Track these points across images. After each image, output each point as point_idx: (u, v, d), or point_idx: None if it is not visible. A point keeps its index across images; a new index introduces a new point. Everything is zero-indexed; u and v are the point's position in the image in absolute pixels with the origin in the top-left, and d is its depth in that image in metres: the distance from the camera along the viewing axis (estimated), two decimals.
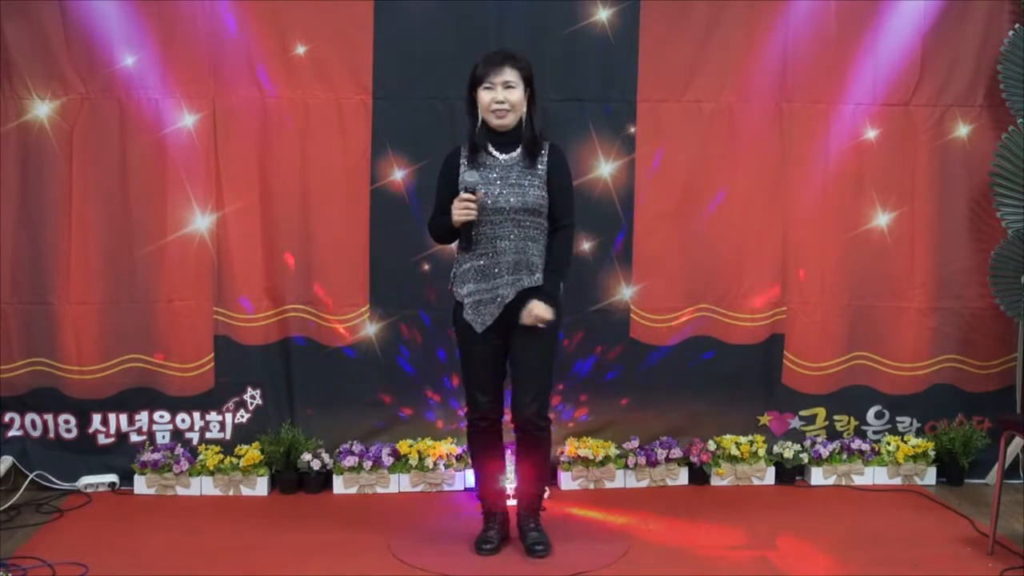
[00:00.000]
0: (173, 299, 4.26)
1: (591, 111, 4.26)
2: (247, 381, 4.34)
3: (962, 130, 4.40)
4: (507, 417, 3.57)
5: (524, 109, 3.42)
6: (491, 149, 3.44)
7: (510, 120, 3.40)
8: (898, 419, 4.56)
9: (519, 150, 3.44)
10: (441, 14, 4.22)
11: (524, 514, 3.59)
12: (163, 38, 4.14)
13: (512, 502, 3.70)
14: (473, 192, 3.33)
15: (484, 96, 3.38)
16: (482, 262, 3.40)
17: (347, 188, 4.27)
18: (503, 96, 3.36)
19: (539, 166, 3.43)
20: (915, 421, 4.56)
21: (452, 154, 3.52)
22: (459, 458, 4.29)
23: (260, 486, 4.23)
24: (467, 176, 3.35)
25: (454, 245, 3.53)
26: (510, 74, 3.36)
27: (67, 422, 4.29)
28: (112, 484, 4.26)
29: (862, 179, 4.42)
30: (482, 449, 3.60)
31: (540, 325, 3.37)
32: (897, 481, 4.42)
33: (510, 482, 3.77)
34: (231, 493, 4.22)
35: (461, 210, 3.33)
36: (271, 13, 4.16)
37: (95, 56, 4.13)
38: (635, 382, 4.43)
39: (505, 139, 3.44)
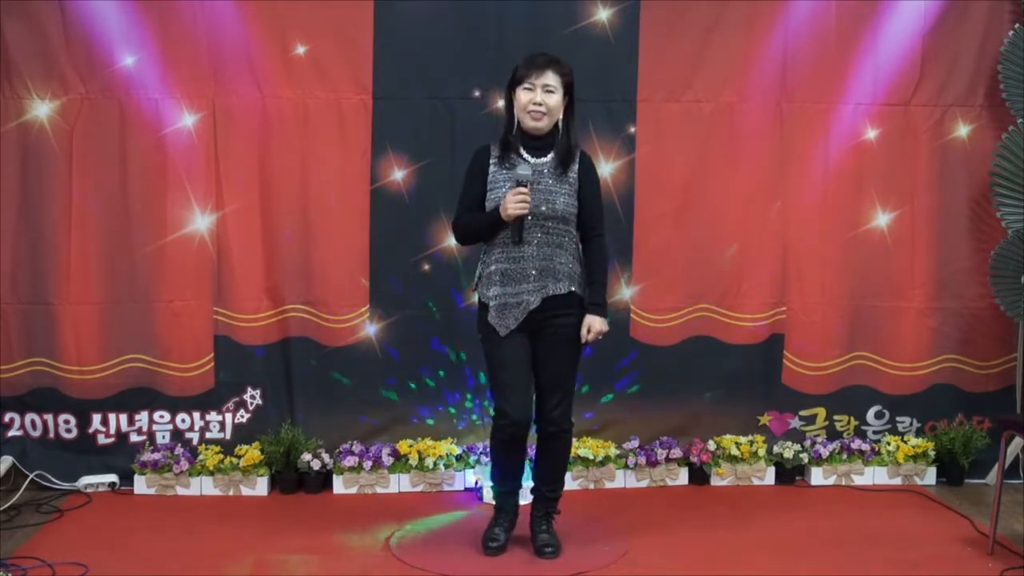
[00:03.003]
0: (173, 299, 4.26)
1: (591, 111, 4.25)
2: (247, 381, 4.34)
3: (962, 130, 4.40)
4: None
5: (561, 115, 3.39)
6: (523, 152, 3.40)
7: (545, 124, 3.36)
8: (898, 419, 4.56)
9: (551, 156, 3.40)
10: (441, 14, 4.22)
11: (538, 516, 3.57)
12: (163, 38, 4.14)
13: (525, 501, 3.66)
14: (526, 185, 3.29)
15: (523, 96, 3.33)
16: (508, 266, 3.36)
17: (347, 188, 4.27)
18: (541, 99, 3.32)
19: (570, 174, 3.39)
20: (915, 421, 4.56)
21: (481, 151, 3.47)
22: (459, 458, 4.29)
23: (260, 486, 4.23)
24: (520, 170, 3.30)
25: (460, 247, 3.47)
26: (551, 78, 3.32)
27: (67, 422, 4.29)
28: (112, 484, 4.26)
29: (862, 179, 4.42)
30: (506, 455, 3.52)
31: (599, 338, 3.40)
32: (897, 481, 4.42)
33: (527, 480, 3.72)
34: (231, 493, 4.22)
35: (518, 203, 3.26)
36: (271, 13, 4.16)
37: (95, 56, 4.13)
38: (635, 382, 4.43)
39: (538, 143, 3.40)
